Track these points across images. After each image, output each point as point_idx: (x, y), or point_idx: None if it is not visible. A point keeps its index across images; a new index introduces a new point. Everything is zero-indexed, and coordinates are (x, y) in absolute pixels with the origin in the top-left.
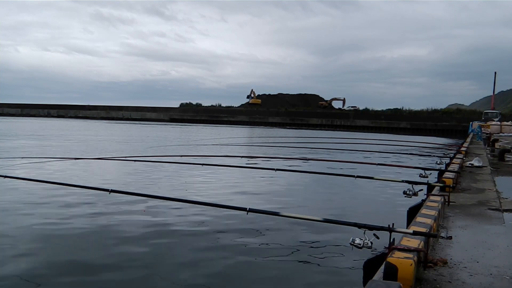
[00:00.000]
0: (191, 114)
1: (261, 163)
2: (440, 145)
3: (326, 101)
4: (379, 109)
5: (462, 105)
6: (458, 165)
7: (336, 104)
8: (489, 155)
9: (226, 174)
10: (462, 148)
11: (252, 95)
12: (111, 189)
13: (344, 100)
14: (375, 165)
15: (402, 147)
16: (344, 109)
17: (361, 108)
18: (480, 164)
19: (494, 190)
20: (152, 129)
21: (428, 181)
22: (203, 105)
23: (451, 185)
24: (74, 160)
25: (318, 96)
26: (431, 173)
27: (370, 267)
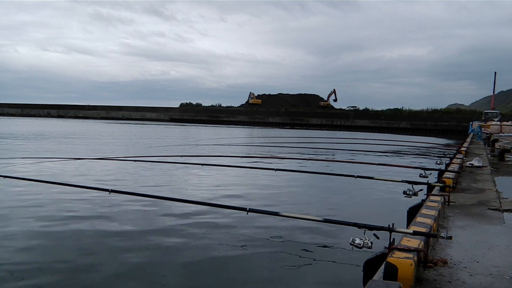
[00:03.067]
0: (191, 114)
1: (261, 163)
2: (440, 145)
3: (326, 100)
4: (379, 109)
5: (462, 105)
6: (458, 165)
7: (332, 99)
8: (489, 155)
9: (226, 174)
10: (462, 148)
11: (252, 97)
12: (111, 189)
13: (334, 91)
14: (375, 165)
15: (402, 147)
16: (344, 108)
17: (361, 108)
18: (480, 164)
19: (494, 190)
20: (152, 129)
21: (428, 181)
22: (203, 105)
23: (451, 185)
24: (74, 160)
25: (318, 96)
26: (431, 173)
27: (370, 267)
